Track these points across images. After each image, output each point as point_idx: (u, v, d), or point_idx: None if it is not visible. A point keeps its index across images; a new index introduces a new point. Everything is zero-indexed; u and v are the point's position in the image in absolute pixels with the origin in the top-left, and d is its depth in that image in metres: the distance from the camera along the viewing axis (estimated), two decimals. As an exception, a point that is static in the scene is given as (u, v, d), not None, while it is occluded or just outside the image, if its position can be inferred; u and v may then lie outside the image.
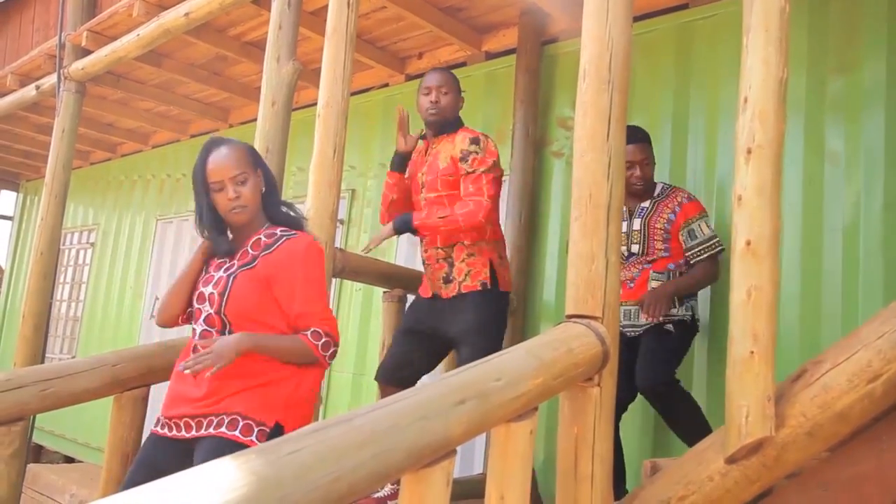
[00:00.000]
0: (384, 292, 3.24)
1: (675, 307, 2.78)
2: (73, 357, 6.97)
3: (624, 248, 2.86)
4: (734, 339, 1.63)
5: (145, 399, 2.23)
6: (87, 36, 4.57)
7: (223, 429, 1.79)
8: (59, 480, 5.14)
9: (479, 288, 2.68)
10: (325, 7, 2.84)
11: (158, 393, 2.30)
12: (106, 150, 7.20)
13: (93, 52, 4.54)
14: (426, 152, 2.85)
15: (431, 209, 2.69)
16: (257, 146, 2.91)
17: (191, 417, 1.83)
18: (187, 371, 1.75)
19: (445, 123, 2.79)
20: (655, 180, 2.94)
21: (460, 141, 2.72)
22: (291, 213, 2.04)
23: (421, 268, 2.93)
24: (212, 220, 1.96)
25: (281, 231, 1.97)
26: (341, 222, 4.65)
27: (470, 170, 2.66)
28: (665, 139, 3.37)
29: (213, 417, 1.81)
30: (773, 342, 1.61)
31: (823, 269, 2.85)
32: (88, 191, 7.48)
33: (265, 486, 0.96)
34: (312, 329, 1.87)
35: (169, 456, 1.84)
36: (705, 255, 2.79)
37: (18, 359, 4.23)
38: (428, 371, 2.87)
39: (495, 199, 2.67)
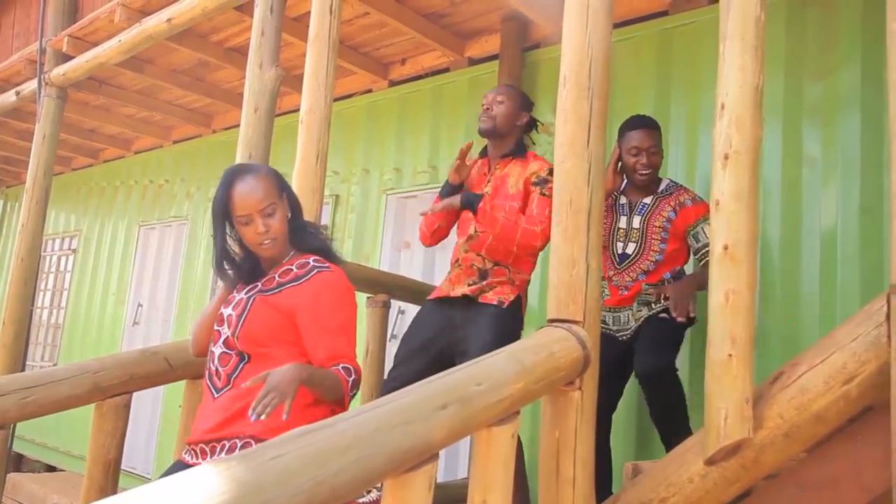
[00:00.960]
0: (368, 298, 3.25)
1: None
2: (55, 365, 6.90)
3: (621, 243, 2.83)
4: (712, 342, 1.66)
5: (127, 406, 2.21)
6: (69, 41, 4.55)
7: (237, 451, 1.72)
8: (40, 489, 5.09)
9: (496, 303, 2.58)
10: (308, 13, 2.85)
11: (140, 400, 2.30)
12: (88, 156, 7.15)
13: (74, 57, 4.52)
14: (488, 171, 2.75)
15: (500, 205, 2.58)
16: (239, 153, 2.91)
17: (205, 443, 1.78)
18: (262, 418, 1.57)
19: (498, 134, 2.70)
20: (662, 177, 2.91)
21: (537, 168, 2.63)
22: (319, 237, 1.98)
23: (404, 272, 2.93)
24: (226, 253, 1.90)
25: (314, 262, 1.89)
26: (325, 228, 4.64)
27: (544, 193, 2.55)
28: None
29: (225, 442, 1.76)
30: (751, 345, 1.64)
31: (801, 272, 2.89)
32: (70, 197, 7.43)
33: (246, 491, 0.97)
34: (343, 365, 1.78)
35: None
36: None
37: (-1, 366, 4.20)
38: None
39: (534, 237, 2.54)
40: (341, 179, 4.75)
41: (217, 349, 1.86)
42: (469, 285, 2.63)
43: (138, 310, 6.20)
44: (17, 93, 5.05)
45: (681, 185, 2.88)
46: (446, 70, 4.33)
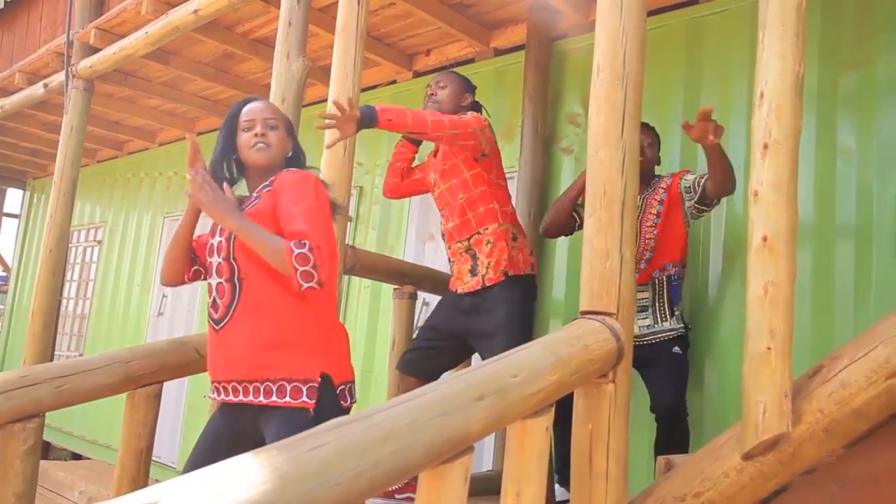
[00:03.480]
0: (395, 289, 3.24)
1: (667, 319, 2.78)
2: (81, 355, 6.99)
3: None
4: (750, 335, 1.63)
5: (158, 396, 2.23)
6: (96, 34, 4.57)
7: (274, 398, 1.77)
8: (67, 477, 5.16)
9: (502, 277, 2.65)
10: (334, 4, 2.84)
11: (165, 390, 2.31)
12: (113, 148, 7.21)
13: (101, 49, 4.54)
14: (436, 155, 2.90)
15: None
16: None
17: (238, 382, 1.82)
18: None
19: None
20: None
21: None
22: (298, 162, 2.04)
23: (429, 263, 2.95)
24: (223, 163, 1.99)
25: (283, 171, 1.94)
26: (350, 220, 4.64)
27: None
28: (675, 135, 3.36)
29: (258, 384, 1.79)
30: (791, 338, 1.61)
31: (835, 265, 2.84)
32: (95, 188, 7.50)
33: (288, 481, 0.96)
34: (298, 240, 1.73)
35: (231, 422, 1.87)
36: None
37: (28, 356, 4.25)
38: (449, 368, 2.87)
39: (465, 126, 2.58)
40: (365, 171, 4.75)
41: (214, 280, 1.89)
42: (472, 275, 2.71)
43: (163, 300, 6.25)
44: (45, 85, 5.10)
45: (661, 176, 2.95)
46: (472, 61, 4.30)
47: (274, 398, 1.77)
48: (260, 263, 1.81)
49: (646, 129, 2.86)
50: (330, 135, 2.48)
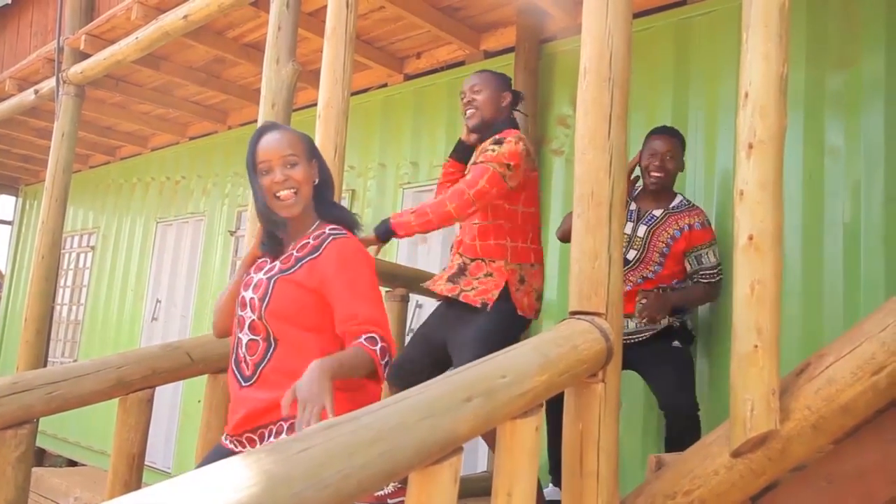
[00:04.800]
0: (386, 291, 3.25)
1: (665, 318, 2.78)
2: (75, 361, 6.97)
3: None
4: (738, 333, 1.64)
5: (150, 401, 2.23)
6: (86, 39, 4.57)
7: (284, 435, 1.68)
8: (62, 484, 5.15)
9: (477, 305, 2.48)
10: (324, 8, 2.84)
11: (160, 395, 2.31)
12: (105, 154, 7.21)
13: (91, 55, 4.54)
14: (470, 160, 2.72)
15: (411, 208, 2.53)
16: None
17: (251, 432, 1.74)
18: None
19: (485, 124, 2.61)
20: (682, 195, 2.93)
21: (489, 142, 2.51)
22: (344, 210, 1.89)
23: (422, 266, 2.94)
24: (265, 212, 1.79)
25: (330, 230, 1.79)
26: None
27: (477, 162, 2.47)
28: (664, 136, 3.38)
29: (272, 426, 1.71)
30: (777, 336, 1.62)
31: (824, 263, 2.86)
32: (88, 194, 7.49)
33: (276, 483, 0.97)
34: (367, 334, 1.64)
35: None
36: (706, 281, 2.82)
37: (21, 363, 4.24)
38: (432, 377, 2.80)
39: (485, 195, 2.40)
40: (357, 174, 4.75)
41: (244, 336, 1.77)
42: (448, 280, 2.60)
43: (157, 306, 6.24)
44: (36, 91, 5.09)
45: (694, 205, 2.89)
46: (462, 63, 4.32)
47: (284, 435, 1.69)
48: (295, 324, 1.72)
49: (666, 137, 2.82)
50: None
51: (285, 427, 1.69)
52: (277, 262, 1.81)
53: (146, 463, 2.31)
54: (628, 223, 2.87)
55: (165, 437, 5.60)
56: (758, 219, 1.66)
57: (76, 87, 4.67)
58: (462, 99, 2.67)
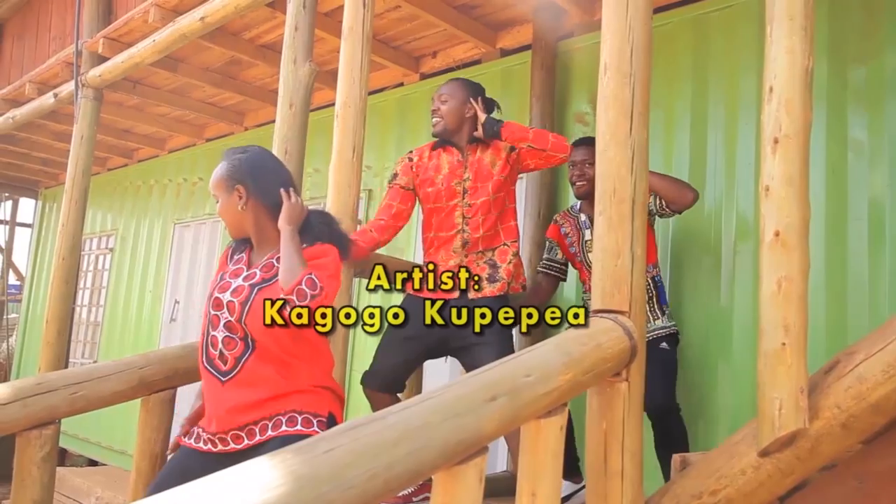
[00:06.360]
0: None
1: (659, 318, 2.82)
2: (95, 361, 7.03)
3: (591, 254, 2.81)
4: (765, 331, 1.62)
5: (172, 401, 2.24)
6: (104, 43, 4.60)
7: (284, 427, 1.78)
8: (84, 483, 5.19)
9: (521, 291, 2.80)
10: (339, 8, 2.84)
11: (185, 395, 2.32)
12: (122, 156, 7.26)
13: (109, 58, 4.57)
14: (462, 158, 2.83)
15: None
16: (275, 149, 2.91)
17: (240, 429, 1.80)
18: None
19: (448, 132, 2.83)
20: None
21: (505, 147, 2.81)
22: (320, 224, 1.97)
23: None
24: None
25: (306, 245, 1.91)
26: (359, 222, 4.65)
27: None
28: (684, 132, 3.35)
29: (266, 421, 1.79)
30: (805, 333, 1.59)
31: (848, 259, 2.82)
32: (106, 196, 7.54)
33: (303, 484, 0.96)
34: (312, 283, 1.77)
35: (209, 469, 1.82)
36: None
37: (43, 364, 4.28)
38: (412, 372, 2.90)
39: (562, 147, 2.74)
40: (374, 174, 4.75)
41: (219, 333, 1.85)
42: (490, 282, 2.75)
43: (175, 307, 6.28)
44: (55, 95, 5.13)
45: None
46: (478, 62, 4.30)
47: (283, 428, 1.78)
48: (272, 333, 1.81)
49: (583, 147, 2.95)
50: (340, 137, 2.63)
51: (269, 425, 1.78)
52: (257, 270, 1.90)
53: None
54: (586, 231, 3.02)
55: (185, 437, 5.62)
56: (784, 214, 1.63)
57: (95, 91, 4.70)
58: (431, 105, 2.88)
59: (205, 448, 1.84)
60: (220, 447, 1.82)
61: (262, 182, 1.94)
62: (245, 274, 1.91)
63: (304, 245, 1.89)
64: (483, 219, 2.78)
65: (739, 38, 3.22)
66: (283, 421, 1.79)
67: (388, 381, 2.76)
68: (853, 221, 2.83)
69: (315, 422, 1.81)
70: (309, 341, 1.87)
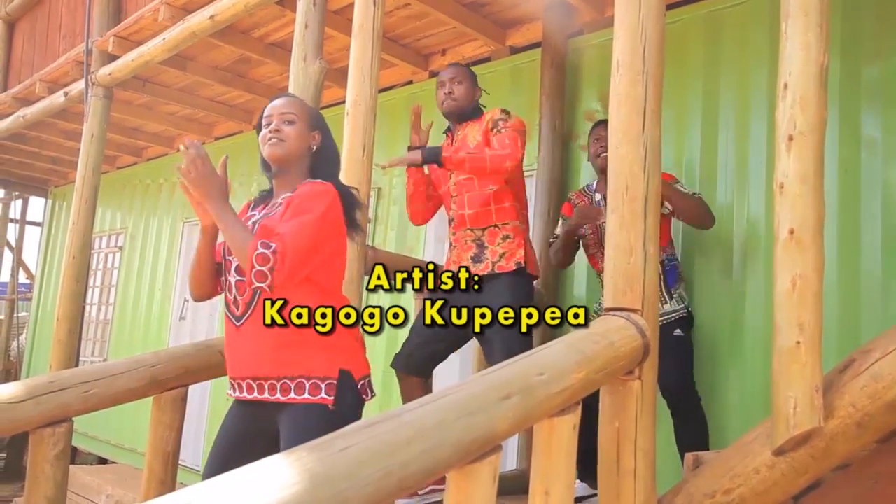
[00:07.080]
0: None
1: (667, 301, 2.81)
2: (105, 360, 7.06)
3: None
4: (780, 329, 1.61)
5: (184, 399, 2.24)
6: (114, 41, 4.61)
7: (292, 394, 1.79)
8: (94, 481, 5.21)
9: (514, 268, 2.71)
10: (349, 5, 2.84)
11: (194, 393, 2.32)
12: (132, 154, 7.28)
13: (119, 57, 4.58)
14: (452, 142, 2.91)
15: (460, 147, 2.77)
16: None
17: (253, 379, 1.83)
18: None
19: (463, 112, 2.87)
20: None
21: (491, 115, 2.79)
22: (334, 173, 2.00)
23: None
24: (261, 163, 1.99)
25: (309, 181, 1.91)
26: (369, 220, 4.65)
27: (500, 130, 2.72)
28: (695, 130, 3.34)
29: (274, 381, 1.80)
30: (820, 332, 1.58)
31: (861, 257, 2.80)
32: (116, 195, 7.57)
33: (318, 483, 0.96)
34: (267, 240, 1.69)
35: (248, 420, 1.88)
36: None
37: (54, 362, 4.29)
38: (443, 360, 2.89)
39: (522, 156, 2.72)
40: (383, 172, 4.74)
41: (232, 277, 1.88)
42: (475, 262, 2.76)
43: (184, 305, 6.30)
44: (66, 94, 5.15)
45: None
46: (488, 59, 4.29)
47: (292, 395, 1.79)
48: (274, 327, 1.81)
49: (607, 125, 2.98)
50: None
51: (292, 386, 1.79)
52: (266, 209, 1.93)
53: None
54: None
55: (195, 434, 5.63)
56: (798, 212, 1.62)
57: (105, 89, 4.71)
58: (441, 88, 2.90)
59: (236, 395, 1.89)
60: (242, 393, 1.86)
61: (327, 145, 1.99)
62: (253, 219, 1.93)
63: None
64: (469, 196, 2.81)
65: (751, 36, 3.20)
66: (292, 387, 1.79)
67: (413, 363, 2.81)
68: (866, 220, 2.81)
69: (323, 386, 1.79)
70: (317, 284, 1.83)
